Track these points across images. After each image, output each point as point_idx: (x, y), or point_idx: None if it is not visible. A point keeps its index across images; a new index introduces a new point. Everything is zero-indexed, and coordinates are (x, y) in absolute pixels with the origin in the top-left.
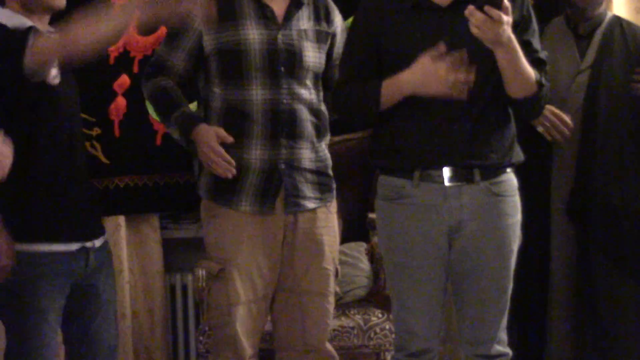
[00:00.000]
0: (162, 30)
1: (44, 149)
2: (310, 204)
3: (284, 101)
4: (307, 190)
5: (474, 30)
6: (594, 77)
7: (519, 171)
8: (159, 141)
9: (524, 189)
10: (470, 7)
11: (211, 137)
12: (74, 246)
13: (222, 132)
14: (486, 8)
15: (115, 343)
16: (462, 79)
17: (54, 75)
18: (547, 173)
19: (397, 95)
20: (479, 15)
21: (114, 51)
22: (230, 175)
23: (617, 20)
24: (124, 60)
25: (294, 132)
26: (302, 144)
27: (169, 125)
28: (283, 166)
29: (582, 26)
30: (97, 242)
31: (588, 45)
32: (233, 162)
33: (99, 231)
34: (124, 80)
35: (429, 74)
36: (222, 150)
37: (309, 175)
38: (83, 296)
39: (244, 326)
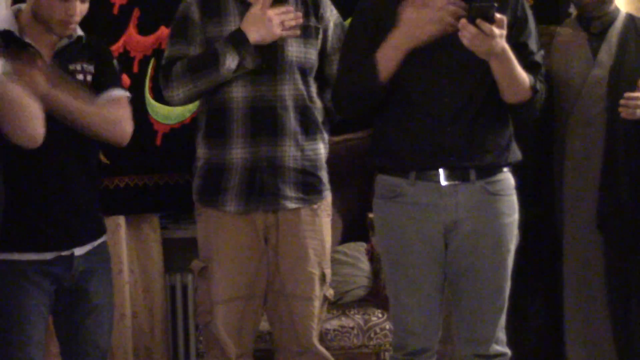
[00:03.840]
0: (162, 30)
1: (7, 156)
2: (290, 204)
3: (265, 98)
4: (288, 189)
5: (466, 43)
6: (613, 78)
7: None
8: (159, 141)
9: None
10: (463, 21)
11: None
12: (47, 255)
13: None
14: (478, 22)
15: (107, 347)
16: (450, 11)
17: None
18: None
19: (394, 56)
20: (471, 29)
21: (114, 51)
22: (300, 21)
23: (631, 18)
24: (124, 60)
25: (275, 129)
26: (285, 142)
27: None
28: (264, 164)
29: (594, 24)
30: (79, 250)
31: (601, 44)
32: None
33: (86, 237)
34: (124, 80)
35: (416, 21)
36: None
37: (292, 174)
38: (71, 298)
39: (227, 324)
